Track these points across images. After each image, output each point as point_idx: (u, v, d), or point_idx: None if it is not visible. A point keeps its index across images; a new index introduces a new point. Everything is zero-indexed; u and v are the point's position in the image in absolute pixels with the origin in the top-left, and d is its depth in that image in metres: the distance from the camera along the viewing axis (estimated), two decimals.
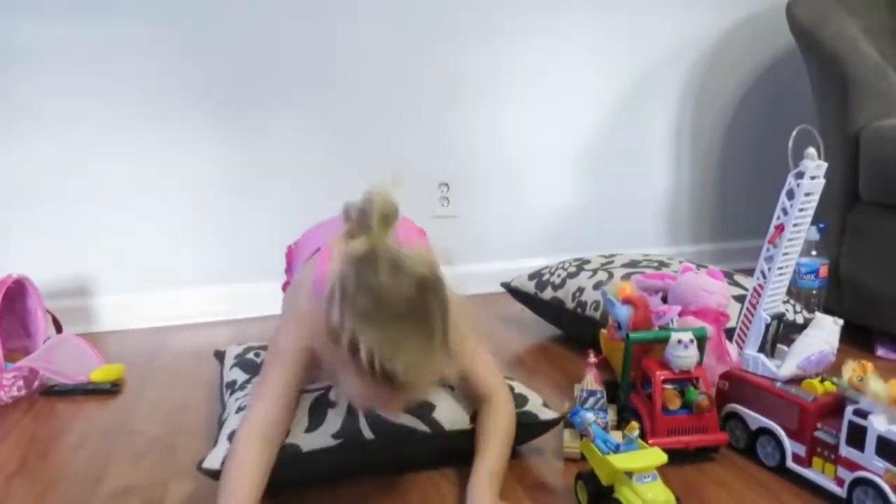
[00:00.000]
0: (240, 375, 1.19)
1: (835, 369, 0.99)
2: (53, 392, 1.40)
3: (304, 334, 0.91)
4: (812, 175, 1.02)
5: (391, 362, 0.77)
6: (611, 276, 1.56)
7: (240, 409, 1.03)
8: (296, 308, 0.99)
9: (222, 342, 1.57)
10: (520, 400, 1.07)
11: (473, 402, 1.03)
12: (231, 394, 1.14)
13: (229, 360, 1.28)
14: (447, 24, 1.96)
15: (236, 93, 1.84)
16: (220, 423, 1.05)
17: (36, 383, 1.42)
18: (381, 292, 0.78)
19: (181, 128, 1.81)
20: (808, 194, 1.03)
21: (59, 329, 1.53)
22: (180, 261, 1.87)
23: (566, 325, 1.64)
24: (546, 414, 1.07)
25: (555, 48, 2.06)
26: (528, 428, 1.06)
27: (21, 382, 1.37)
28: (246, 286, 1.88)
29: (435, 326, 0.80)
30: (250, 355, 1.26)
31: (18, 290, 1.45)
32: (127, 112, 1.78)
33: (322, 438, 0.97)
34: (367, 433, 0.98)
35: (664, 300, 1.29)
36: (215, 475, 0.91)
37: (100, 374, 1.43)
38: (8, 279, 1.38)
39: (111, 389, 1.40)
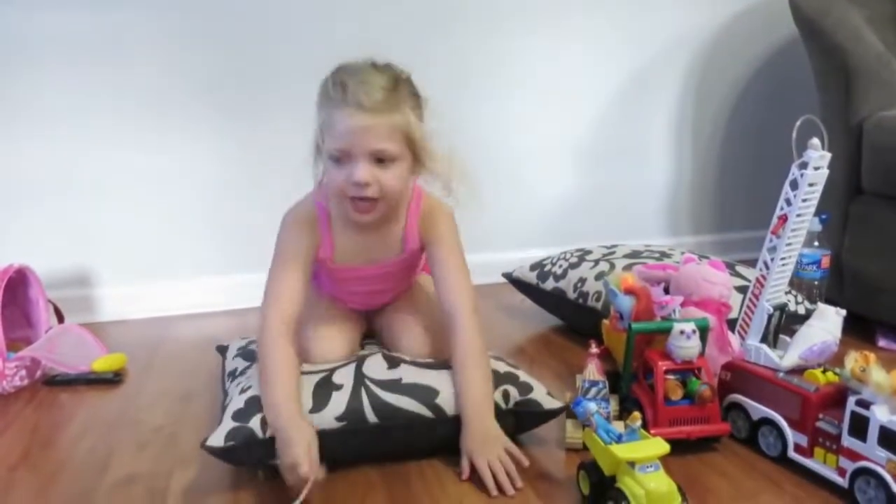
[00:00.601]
0: (241, 364, 1.20)
1: (837, 360, 0.99)
2: (56, 382, 1.40)
3: (301, 219, 1.12)
4: (816, 165, 1.01)
5: (348, 79, 1.00)
6: (612, 266, 1.56)
7: (243, 391, 1.03)
8: (288, 218, 1.15)
9: (223, 332, 1.57)
10: (524, 389, 1.07)
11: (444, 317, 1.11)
12: (232, 381, 1.14)
13: (232, 352, 1.28)
14: (448, 18, 1.95)
15: (238, 86, 1.83)
16: (223, 407, 1.05)
17: (38, 373, 1.42)
18: (361, 70, 1.03)
19: (183, 120, 1.81)
20: (811, 185, 1.03)
21: (60, 319, 1.53)
22: (182, 251, 1.87)
23: (568, 315, 1.64)
24: (550, 403, 1.07)
25: (556, 40, 2.05)
26: (532, 417, 1.07)
27: (23, 372, 1.38)
28: (246, 277, 1.87)
29: (401, 88, 1.03)
30: (253, 346, 1.26)
31: (20, 279, 1.45)
32: (129, 104, 1.77)
33: (325, 420, 0.97)
34: (371, 417, 0.99)
35: (666, 291, 1.29)
36: (218, 453, 0.93)
37: (102, 363, 1.43)
38: (10, 269, 1.38)
39: (113, 379, 1.40)
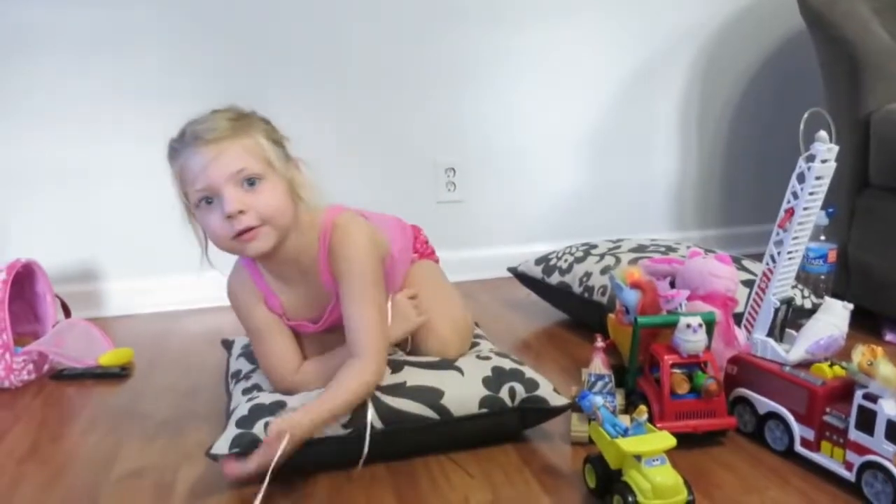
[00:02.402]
0: (245, 366, 1.20)
1: (844, 354, 0.99)
2: (63, 376, 1.41)
3: (240, 286, 1.09)
4: (823, 158, 1.01)
5: (187, 126, 0.97)
6: (618, 260, 1.55)
7: (250, 399, 1.03)
8: (229, 290, 1.12)
9: (229, 327, 1.57)
10: (530, 385, 1.06)
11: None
12: (236, 383, 1.14)
13: (236, 349, 1.28)
14: (453, 8, 1.95)
15: (245, 78, 1.83)
16: (229, 414, 1.05)
17: (45, 367, 1.43)
18: (201, 116, 0.99)
19: (189, 113, 1.80)
20: (818, 178, 1.03)
21: (67, 314, 1.54)
22: (188, 246, 1.86)
23: (573, 309, 1.64)
24: (556, 400, 1.06)
25: (561, 33, 2.04)
26: (537, 413, 1.06)
27: (31, 366, 1.38)
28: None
29: (246, 118, 0.99)
30: None
31: (27, 274, 1.45)
32: (136, 97, 1.78)
33: (333, 427, 0.97)
34: (377, 423, 0.98)
35: (672, 285, 1.29)
36: (220, 458, 0.93)
37: (109, 358, 1.44)
38: (17, 263, 1.39)
39: (120, 373, 1.41)
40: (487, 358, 1.12)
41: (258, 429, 0.95)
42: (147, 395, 1.31)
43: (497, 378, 1.06)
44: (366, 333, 1.00)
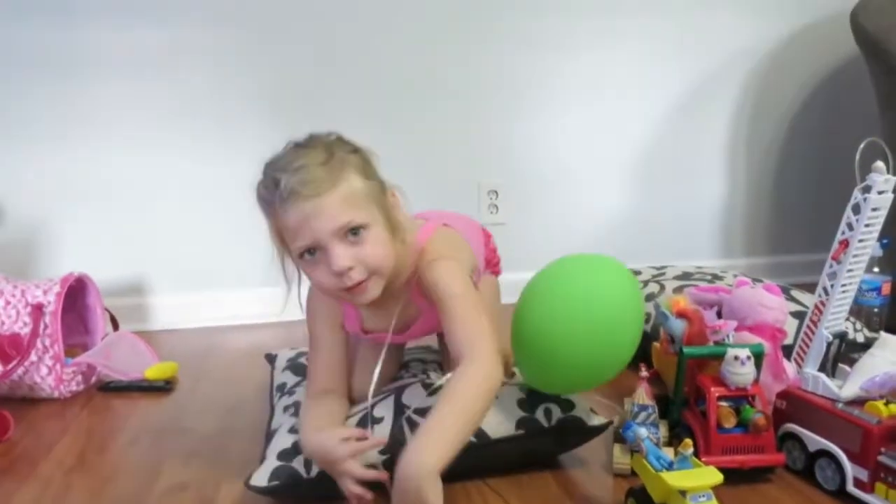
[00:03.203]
0: (290, 378, 1.21)
1: None
2: (109, 388, 1.44)
3: (322, 296, 1.04)
4: (880, 189, 0.98)
5: (279, 173, 0.90)
6: (662, 288, 1.53)
7: (292, 430, 1.03)
8: (310, 299, 1.10)
9: (272, 343, 1.59)
10: (566, 406, 1.05)
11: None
12: (280, 396, 1.15)
13: (281, 363, 1.29)
14: (499, 31, 1.96)
15: (289, 98, 1.87)
16: (269, 435, 1.06)
17: (93, 379, 1.46)
18: (287, 156, 0.94)
19: (239, 131, 1.85)
20: (875, 209, 1.00)
21: (116, 326, 1.57)
22: (233, 262, 1.90)
23: None
24: (594, 420, 1.05)
25: (608, 56, 2.04)
26: (575, 434, 1.05)
27: (79, 378, 1.42)
28: (297, 289, 1.91)
29: (335, 154, 0.93)
30: (302, 360, 1.28)
31: (79, 287, 1.49)
32: (185, 117, 1.82)
33: (370, 455, 0.96)
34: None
35: (719, 315, 1.26)
36: (262, 492, 0.94)
37: (154, 371, 1.47)
38: (70, 277, 1.43)
39: (165, 387, 1.43)
40: (521, 384, 1.11)
41: (298, 462, 0.96)
42: (191, 409, 1.33)
43: (531, 400, 1.06)
44: (474, 341, 0.93)
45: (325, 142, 0.95)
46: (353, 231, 0.91)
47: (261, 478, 0.94)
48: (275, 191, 0.90)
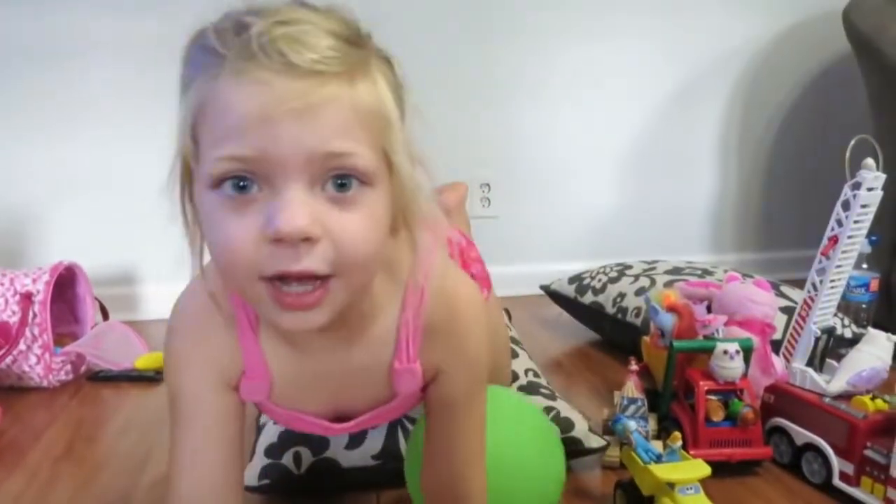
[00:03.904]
0: None
1: (887, 387, 0.97)
2: (99, 378, 1.43)
3: (201, 330, 0.62)
4: (869, 186, 0.99)
5: (254, 19, 0.47)
6: (653, 282, 1.54)
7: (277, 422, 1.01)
8: (177, 329, 0.65)
9: None
10: (566, 425, 1.03)
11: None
12: None
13: None
14: (491, 25, 1.96)
15: None
16: (258, 428, 1.05)
17: (83, 368, 1.46)
18: (280, 8, 0.49)
19: None
20: (864, 206, 1.01)
21: (105, 316, 1.57)
22: None
23: (605, 330, 1.63)
24: (592, 441, 1.03)
25: (601, 50, 2.04)
26: (573, 454, 1.03)
27: (69, 367, 1.41)
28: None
29: (365, 42, 0.53)
30: None
31: (69, 276, 1.48)
32: (177, 105, 1.81)
33: (362, 457, 0.95)
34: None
35: (708, 309, 1.27)
36: (252, 491, 0.92)
37: (144, 361, 1.46)
38: (59, 266, 1.42)
39: (155, 377, 1.42)
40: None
41: (287, 459, 0.95)
42: None
43: None
44: (471, 466, 0.66)
45: (345, 15, 0.53)
46: (342, 180, 0.49)
47: (251, 477, 0.93)
48: (231, 39, 0.48)
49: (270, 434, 0.99)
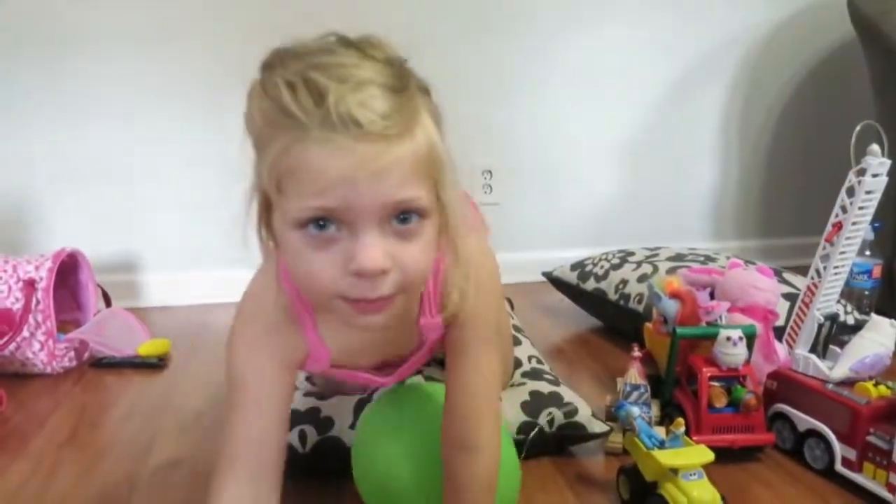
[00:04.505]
0: None
1: (890, 373, 0.97)
2: (102, 364, 1.44)
3: (268, 327, 0.72)
4: (874, 173, 0.99)
5: (322, 78, 0.54)
6: (655, 269, 1.54)
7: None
8: (244, 325, 0.76)
9: None
10: (569, 412, 1.03)
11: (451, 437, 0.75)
12: None
13: None
14: (494, 13, 1.94)
15: None
16: None
17: (86, 355, 1.46)
18: (338, 60, 0.57)
19: (234, 110, 1.82)
20: (869, 192, 1.01)
21: (108, 303, 1.57)
22: (227, 240, 1.88)
23: (608, 316, 1.63)
24: (595, 427, 1.04)
25: (603, 38, 2.02)
26: (576, 439, 1.05)
27: (72, 354, 1.41)
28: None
29: (409, 82, 0.60)
30: None
31: (71, 263, 1.48)
32: (180, 95, 1.80)
33: None
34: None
35: (712, 296, 1.27)
36: None
37: (147, 348, 1.46)
38: (62, 252, 1.42)
39: (157, 364, 1.43)
40: (523, 384, 1.10)
41: (293, 437, 0.96)
42: (183, 385, 1.33)
43: (535, 403, 1.04)
44: (482, 420, 0.74)
45: (387, 52, 0.60)
46: (404, 217, 0.58)
47: None
48: (317, 106, 0.54)
49: None
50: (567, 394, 1.07)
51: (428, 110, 0.62)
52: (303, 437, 0.96)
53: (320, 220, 0.57)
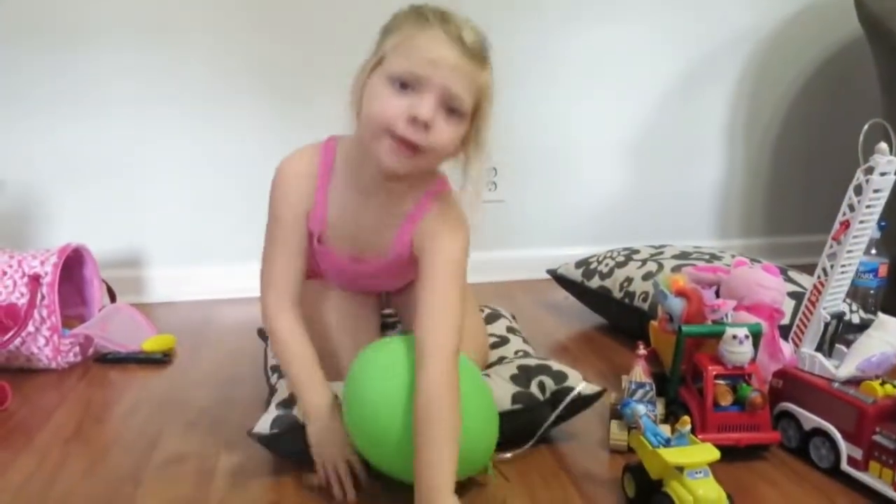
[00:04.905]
0: None
1: None
2: (106, 360, 1.44)
3: (298, 172, 1.01)
4: (883, 171, 0.98)
5: (447, 13, 0.88)
6: (660, 266, 1.53)
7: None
8: (284, 169, 1.03)
9: None
10: (559, 377, 1.06)
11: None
12: (279, 379, 1.13)
13: None
14: (499, 8, 1.94)
15: (290, 73, 1.84)
16: (272, 388, 1.09)
17: (91, 350, 1.46)
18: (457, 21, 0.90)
19: (236, 107, 1.83)
20: (876, 191, 1.00)
21: (113, 298, 1.57)
22: (230, 235, 1.89)
23: (612, 314, 1.62)
24: (588, 388, 1.06)
25: (609, 34, 2.02)
26: (571, 404, 1.05)
27: (77, 349, 1.41)
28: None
29: (489, 49, 0.92)
30: None
31: (77, 258, 1.48)
32: (185, 91, 1.80)
33: None
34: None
35: (717, 294, 1.27)
36: (264, 440, 0.96)
37: (152, 343, 1.47)
38: (67, 248, 1.42)
39: (162, 359, 1.43)
40: (510, 362, 1.13)
41: (297, 411, 0.98)
42: (188, 381, 1.33)
43: (525, 374, 1.07)
44: (441, 331, 0.88)
45: (482, 32, 0.93)
46: (454, 109, 0.88)
47: (263, 426, 0.96)
48: (441, 21, 0.87)
49: (283, 391, 1.03)
50: (555, 364, 1.10)
51: (490, 74, 0.93)
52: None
53: (403, 80, 0.86)
